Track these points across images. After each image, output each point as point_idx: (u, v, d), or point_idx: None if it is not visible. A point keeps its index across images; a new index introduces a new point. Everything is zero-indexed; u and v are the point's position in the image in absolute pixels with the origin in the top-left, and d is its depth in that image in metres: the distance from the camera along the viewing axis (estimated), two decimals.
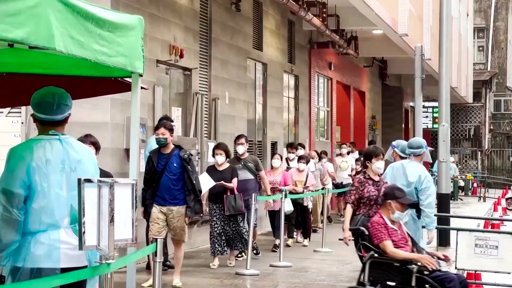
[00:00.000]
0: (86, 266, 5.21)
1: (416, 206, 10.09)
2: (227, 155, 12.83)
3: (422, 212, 9.94)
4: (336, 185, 20.46)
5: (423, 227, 10.60)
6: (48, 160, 5.19)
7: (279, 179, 14.77)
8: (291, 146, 17.09)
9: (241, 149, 13.65)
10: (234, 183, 12.67)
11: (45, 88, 5.42)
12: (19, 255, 5.14)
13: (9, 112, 11.63)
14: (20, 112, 11.63)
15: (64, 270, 5.12)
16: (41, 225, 5.15)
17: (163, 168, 10.53)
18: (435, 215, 15.86)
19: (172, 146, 10.66)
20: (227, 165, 12.81)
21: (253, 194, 12.72)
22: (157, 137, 10.64)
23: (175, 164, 10.47)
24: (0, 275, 5.19)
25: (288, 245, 15.32)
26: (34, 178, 5.13)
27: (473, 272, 11.28)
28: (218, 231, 12.64)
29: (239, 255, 13.37)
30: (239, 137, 13.98)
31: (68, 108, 5.40)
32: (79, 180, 4.89)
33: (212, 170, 12.66)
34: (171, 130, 10.61)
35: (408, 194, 9.85)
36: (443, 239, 15.30)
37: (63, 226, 5.18)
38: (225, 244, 12.71)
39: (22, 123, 11.61)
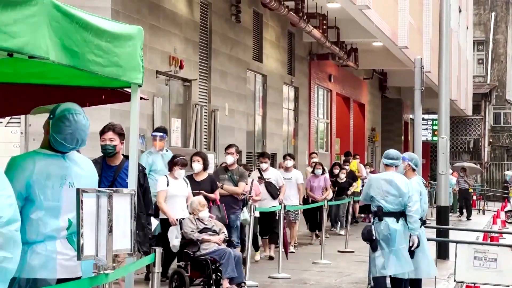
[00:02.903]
0: (80, 277, 5.20)
1: (404, 214, 10.21)
2: (205, 164, 12.03)
3: (411, 217, 10.05)
4: (305, 201, 18.31)
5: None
6: (48, 174, 5.19)
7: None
8: (262, 156, 15.87)
9: (230, 159, 13.00)
10: (216, 195, 12.09)
11: (76, 115, 5.27)
12: None
13: (8, 122, 11.63)
14: (19, 122, 11.63)
15: (60, 281, 5.11)
16: (38, 236, 5.16)
17: (111, 184, 8.29)
18: (434, 227, 15.92)
19: (121, 157, 8.43)
20: (205, 175, 12.12)
21: (240, 209, 12.71)
22: (104, 143, 8.35)
23: (126, 180, 7.59)
24: None
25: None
26: (33, 190, 5.14)
27: (472, 285, 11.27)
28: None
29: None
30: (229, 146, 13.32)
31: (81, 144, 5.35)
32: (77, 190, 4.88)
33: (189, 181, 12.01)
34: (121, 135, 8.33)
35: (400, 203, 10.13)
36: (442, 252, 15.25)
37: (59, 237, 5.18)
38: None
39: (21, 133, 11.61)
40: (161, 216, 11.30)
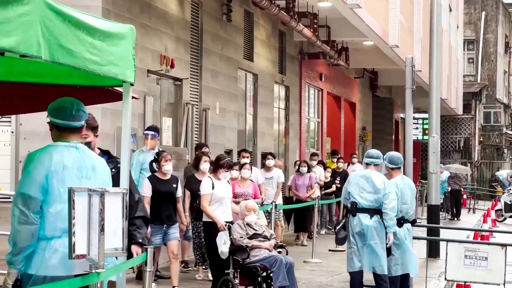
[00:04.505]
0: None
1: (380, 211, 10.51)
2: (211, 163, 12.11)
3: (386, 215, 10.39)
4: (289, 200, 18.28)
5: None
6: (65, 166, 5.25)
7: (250, 191, 13.45)
8: (244, 151, 15.62)
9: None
10: None
11: (63, 97, 5.51)
12: (31, 262, 5.15)
13: None
14: (10, 122, 11.61)
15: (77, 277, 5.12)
16: (56, 231, 5.18)
17: None
18: (425, 226, 15.96)
19: (97, 151, 7.05)
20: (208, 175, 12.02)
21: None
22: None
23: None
24: (17, 279, 5.19)
25: None
26: (52, 182, 5.17)
27: (463, 283, 11.31)
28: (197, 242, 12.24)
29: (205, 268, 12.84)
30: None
31: (84, 116, 5.50)
32: (69, 189, 4.89)
33: (193, 181, 12.15)
34: (95, 129, 7.03)
35: (375, 200, 10.44)
36: (433, 250, 15.29)
37: None
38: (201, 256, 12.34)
39: (12, 132, 11.59)
40: (204, 218, 10.81)
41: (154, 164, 11.16)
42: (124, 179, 5.92)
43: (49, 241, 5.16)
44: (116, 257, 5.40)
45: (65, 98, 5.48)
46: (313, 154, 20.60)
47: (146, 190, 10.96)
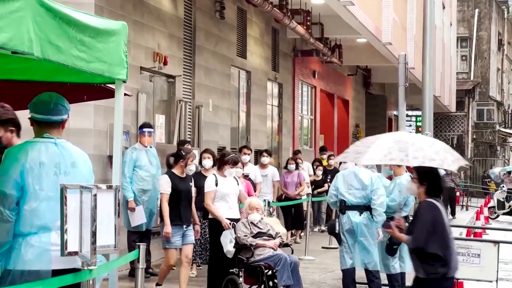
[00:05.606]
0: (79, 269, 5.15)
1: (370, 208, 10.53)
2: (215, 159, 12.05)
3: (375, 211, 10.45)
4: (279, 198, 17.86)
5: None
6: (42, 163, 5.22)
7: (242, 189, 13.15)
8: (245, 147, 15.51)
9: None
10: None
11: (43, 92, 5.49)
12: (10, 258, 5.14)
13: None
14: None
15: (55, 272, 5.11)
16: (32, 227, 5.17)
17: None
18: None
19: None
20: (213, 171, 11.88)
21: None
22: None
23: None
24: None
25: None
26: (27, 179, 5.15)
27: (455, 280, 11.31)
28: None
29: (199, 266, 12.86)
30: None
31: (65, 110, 5.44)
32: (61, 186, 4.88)
33: (199, 177, 11.98)
34: (5, 123, 5.99)
35: (363, 197, 10.47)
36: None
37: (54, 228, 5.17)
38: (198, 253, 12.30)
39: None
40: (211, 216, 10.62)
41: (171, 159, 10.77)
42: (116, 176, 5.91)
43: (25, 237, 5.15)
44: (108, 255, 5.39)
45: (45, 93, 5.46)
46: (295, 153, 20.05)
47: (165, 187, 10.41)
